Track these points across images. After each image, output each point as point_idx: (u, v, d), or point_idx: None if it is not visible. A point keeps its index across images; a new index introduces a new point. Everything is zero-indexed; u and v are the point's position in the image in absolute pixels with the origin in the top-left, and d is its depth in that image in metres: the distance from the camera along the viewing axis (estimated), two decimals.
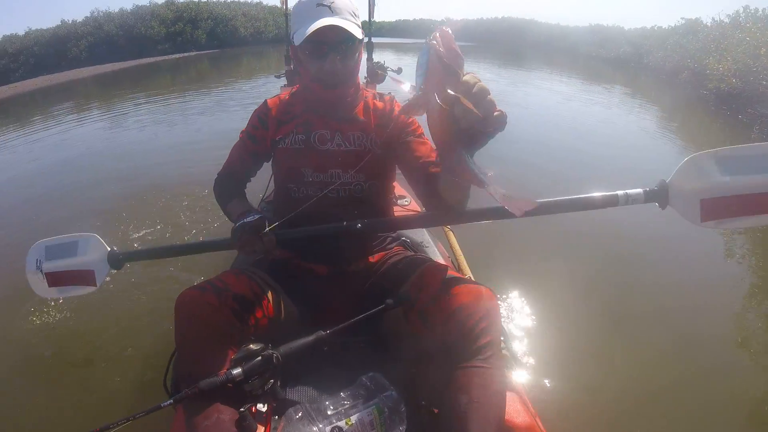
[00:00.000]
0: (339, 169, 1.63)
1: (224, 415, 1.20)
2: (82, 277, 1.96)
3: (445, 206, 1.41)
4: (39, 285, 1.99)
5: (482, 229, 3.32)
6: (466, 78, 0.93)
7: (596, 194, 1.51)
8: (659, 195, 1.56)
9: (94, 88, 21.26)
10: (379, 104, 1.73)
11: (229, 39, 40.72)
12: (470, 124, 0.93)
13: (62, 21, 39.97)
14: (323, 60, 1.52)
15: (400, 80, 1.10)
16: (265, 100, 1.79)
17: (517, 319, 2.77)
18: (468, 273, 2.33)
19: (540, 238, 3.61)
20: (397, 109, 1.70)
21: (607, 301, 2.99)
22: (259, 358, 1.20)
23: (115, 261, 1.90)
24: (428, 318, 1.33)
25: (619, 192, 1.51)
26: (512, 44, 37.13)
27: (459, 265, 2.38)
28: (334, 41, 1.50)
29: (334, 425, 1.23)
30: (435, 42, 0.93)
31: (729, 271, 3.49)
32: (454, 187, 1.29)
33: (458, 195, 1.34)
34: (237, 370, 1.17)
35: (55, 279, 1.99)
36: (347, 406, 1.29)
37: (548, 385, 2.31)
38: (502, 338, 1.49)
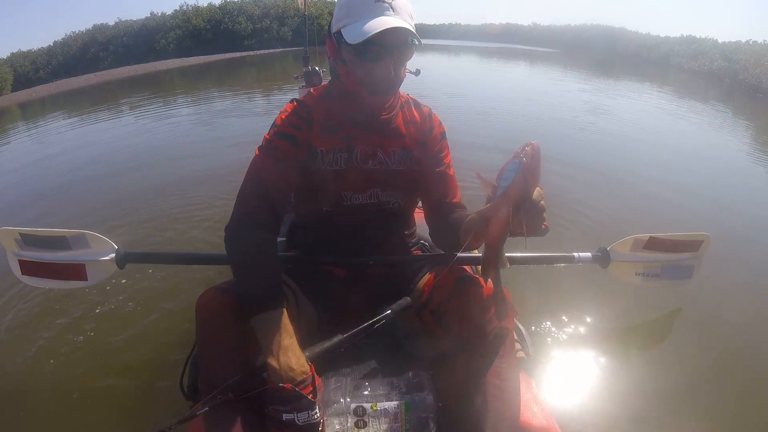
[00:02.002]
0: (378, 189, 1.55)
1: (247, 414, 1.15)
2: (70, 271, 1.99)
3: (452, 239, 1.43)
4: (16, 270, 2.04)
5: None
6: (535, 195, 1.02)
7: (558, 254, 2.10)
8: (602, 258, 2.23)
9: (179, 80, 22.07)
10: (417, 115, 1.61)
11: (315, 36, 41.38)
12: (518, 231, 1.06)
13: (151, 13, 42.24)
14: (375, 63, 1.34)
15: (484, 179, 1.12)
16: (301, 99, 1.54)
17: (533, 319, 2.66)
18: None
19: (559, 239, 3.54)
20: (436, 126, 1.61)
21: (626, 301, 2.85)
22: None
23: (120, 260, 1.92)
24: (442, 317, 1.36)
25: (574, 253, 2.12)
26: (601, 52, 36.02)
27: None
28: (392, 44, 1.32)
29: (359, 405, 1.23)
30: (525, 159, 1.00)
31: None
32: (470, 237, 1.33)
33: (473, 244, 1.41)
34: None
35: (33, 269, 2.03)
36: (382, 392, 1.28)
37: (564, 386, 2.25)
38: (517, 338, 1.53)
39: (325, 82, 1.66)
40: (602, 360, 2.42)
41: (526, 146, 1.00)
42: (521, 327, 1.63)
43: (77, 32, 42.03)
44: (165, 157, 6.76)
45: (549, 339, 2.54)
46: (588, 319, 2.71)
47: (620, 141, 7.55)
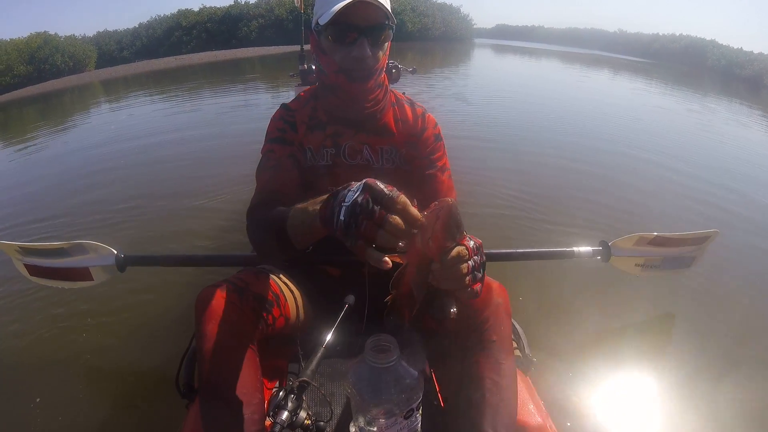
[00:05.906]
0: None
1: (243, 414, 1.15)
2: (75, 274, 2.06)
3: None
4: (23, 272, 2.15)
5: (494, 228, 3.92)
6: (453, 254, 0.92)
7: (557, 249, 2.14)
8: (603, 253, 2.21)
9: (260, 67, 22.48)
10: (409, 114, 1.60)
11: (396, 33, 41.46)
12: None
13: (235, 1, 42.91)
14: (351, 46, 1.34)
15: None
16: (285, 104, 1.60)
17: (529, 318, 2.63)
18: None
19: (555, 237, 3.62)
20: (429, 126, 1.60)
21: (623, 301, 2.92)
22: (293, 395, 1.16)
23: (120, 264, 1.97)
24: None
25: (574, 248, 2.12)
26: (689, 65, 34.36)
27: None
28: (365, 25, 1.33)
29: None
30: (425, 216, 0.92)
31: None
32: None
33: None
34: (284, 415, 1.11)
35: (39, 272, 2.12)
36: None
37: (559, 384, 2.27)
38: (513, 336, 1.52)
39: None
40: (597, 358, 2.45)
41: (437, 203, 0.93)
42: (517, 325, 1.63)
43: (162, 16, 43.46)
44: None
45: (544, 337, 2.54)
46: (584, 318, 2.75)
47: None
